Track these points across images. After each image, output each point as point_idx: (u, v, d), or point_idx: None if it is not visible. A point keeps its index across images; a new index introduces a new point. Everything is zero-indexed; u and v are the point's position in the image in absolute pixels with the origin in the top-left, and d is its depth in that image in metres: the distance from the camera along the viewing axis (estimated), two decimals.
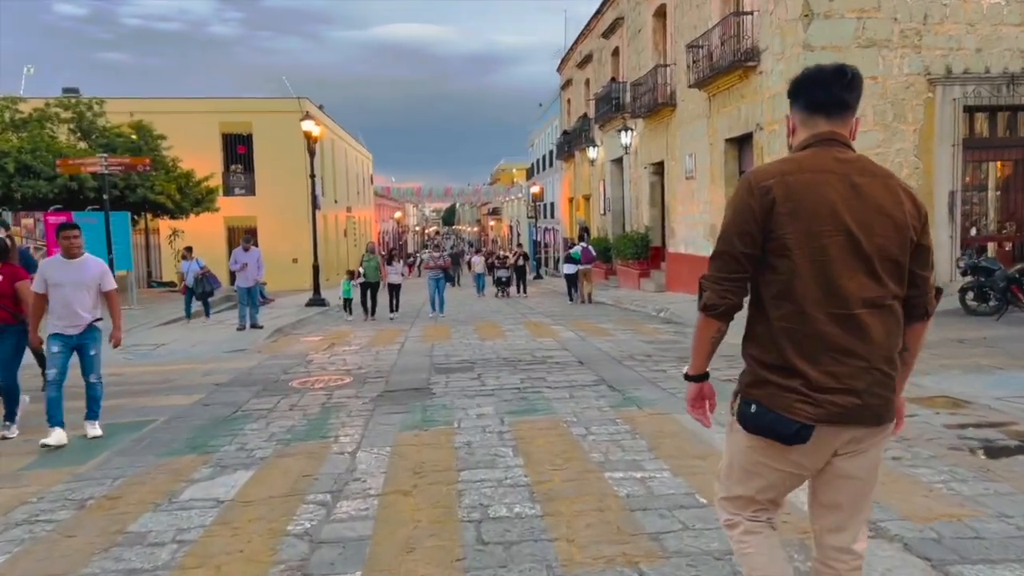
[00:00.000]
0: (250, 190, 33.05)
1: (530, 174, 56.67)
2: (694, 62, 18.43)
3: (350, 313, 17.22)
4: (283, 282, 30.37)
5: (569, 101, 38.76)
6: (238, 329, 14.68)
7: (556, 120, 43.13)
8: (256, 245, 16.89)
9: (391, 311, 16.98)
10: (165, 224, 26.37)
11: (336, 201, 40.30)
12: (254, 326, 14.88)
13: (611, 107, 27.38)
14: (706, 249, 19.22)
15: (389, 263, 17.69)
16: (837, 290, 2.18)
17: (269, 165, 32.24)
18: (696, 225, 20.08)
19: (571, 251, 21.81)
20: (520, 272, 25.50)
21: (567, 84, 39.00)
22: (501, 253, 26.35)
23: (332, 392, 8.30)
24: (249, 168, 33.36)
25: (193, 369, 10.28)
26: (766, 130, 15.71)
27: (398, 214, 67.66)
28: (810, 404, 2.17)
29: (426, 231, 79.76)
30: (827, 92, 2.29)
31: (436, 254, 18.25)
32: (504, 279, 24.42)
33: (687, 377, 2.47)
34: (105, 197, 12.43)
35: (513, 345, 11.72)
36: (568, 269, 21.75)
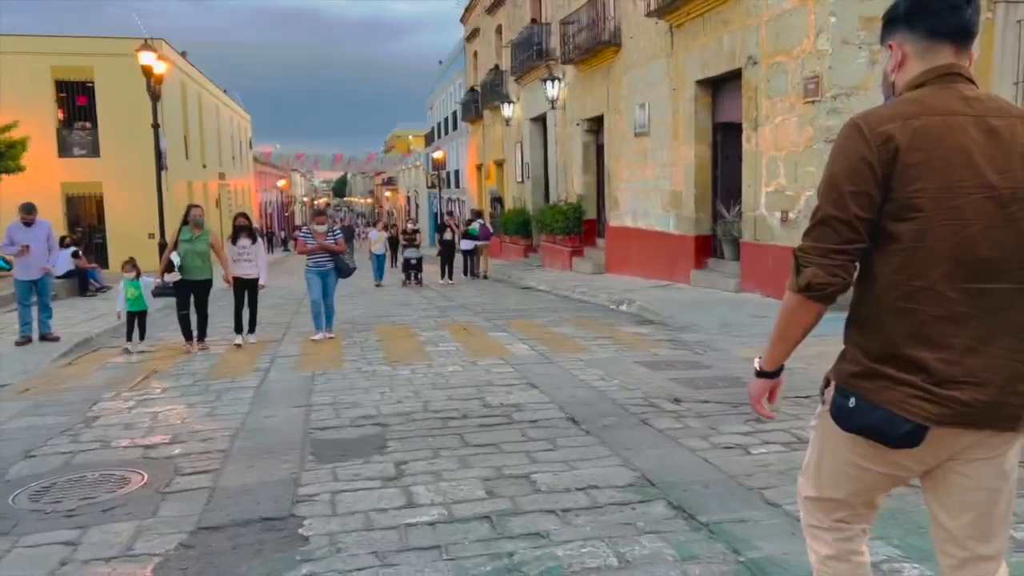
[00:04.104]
0: (93, 150, 27.07)
1: (429, 140, 51.81)
2: None
3: (130, 339, 9.42)
4: (139, 262, 24.91)
5: (476, 54, 34.27)
6: (17, 343, 9.76)
7: (460, 78, 38.54)
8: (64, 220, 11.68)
9: (239, 331, 9.83)
10: None
11: (205, 166, 34.54)
12: (45, 337, 9.99)
13: (531, 54, 23.19)
14: (663, 222, 15.48)
15: (235, 241, 9.86)
16: (975, 260, 1.76)
17: (117, 120, 26.25)
18: (650, 193, 16.21)
19: (469, 228, 21.10)
20: (449, 251, 20.13)
21: (473, 35, 34.49)
22: (409, 227, 21.09)
23: (82, 534, 3.83)
24: (93, 124, 27.39)
25: None
26: (764, 64, 11.87)
27: (282, 182, 61.27)
28: (930, 401, 1.75)
29: (315, 202, 73.38)
30: (958, 16, 1.84)
31: (320, 227, 10.31)
32: (414, 262, 19.09)
33: (760, 373, 2.01)
34: None
35: (445, 375, 7.43)
36: (466, 245, 20.89)
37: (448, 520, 3.81)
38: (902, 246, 1.78)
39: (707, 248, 14.41)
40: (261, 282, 9.98)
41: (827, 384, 1.96)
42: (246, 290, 9.88)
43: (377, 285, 18.71)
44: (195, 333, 9.55)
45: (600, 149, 19.76)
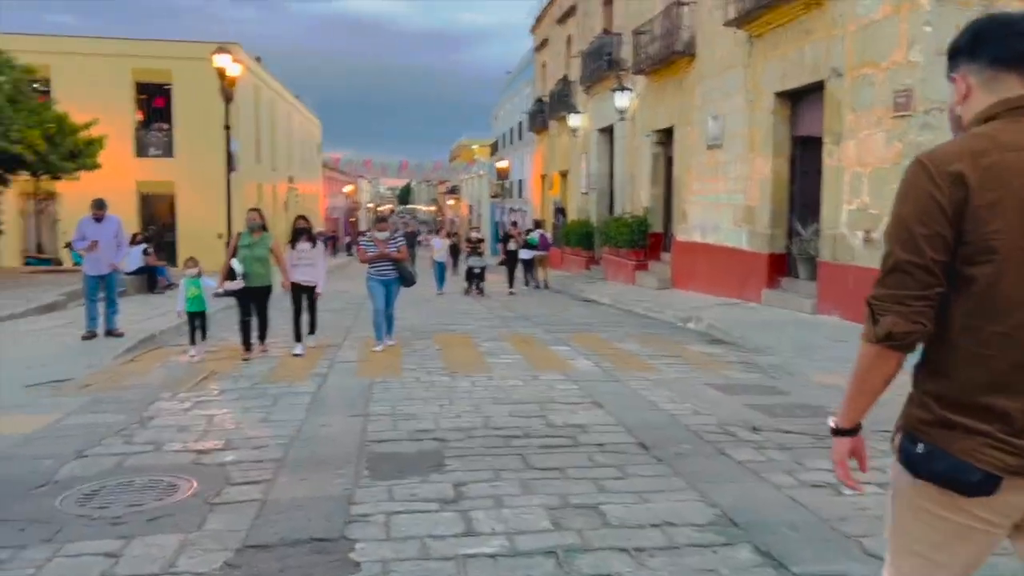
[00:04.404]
0: (167, 151, 27.70)
1: (494, 150, 51.92)
2: None
3: (193, 342, 8.98)
4: (204, 263, 25.29)
5: (544, 65, 34.08)
6: (83, 337, 9.83)
7: (527, 89, 38.47)
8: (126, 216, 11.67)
9: (299, 339, 9.25)
10: (66, 187, 20.90)
11: (275, 169, 35.12)
12: (111, 333, 10.05)
13: (602, 64, 22.87)
14: (734, 238, 14.96)
15: (294, 244, 9.38)
16: None
17: (191, 122, 26.84)
18: (721, 207, 15.70)
19: (528, 237, 21.16)
20: (514, 261, 19.96)
21: (542, 45, 34.31)
22: (473, 235, 20.80)
23: (125, 546, 3.64)
24: (169, 125, 28.02)
25: None
26: (849, 76, 11.32)
27: (348, 188, 62.10)
28: (1006, 451, 1.65)
29: (378, 209, 74.15)
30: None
31: (381, 234, 9.80)
32: (478, 271, 18.66)
33: (837, 432, 1.88)
34: None
35: (505, 390, 7.14)
36: (524, 255, 20.85)
37: (510, 553, 3.49)
38: (977, 290, 1.68)
39: (781, 266, 13.83)
40: (318, 289, 9.46)
41: (897, 433, 1.85)
42: (305, 296, 9.43)
43: (439, 294, 18.50)
44: (255, 337, 9.18)
45: (669, 161, 19.30)
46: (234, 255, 8.93)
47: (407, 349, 9.53)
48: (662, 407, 6.39)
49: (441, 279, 19.38)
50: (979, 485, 1.67)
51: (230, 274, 8.84)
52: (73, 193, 21.24)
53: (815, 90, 12.48)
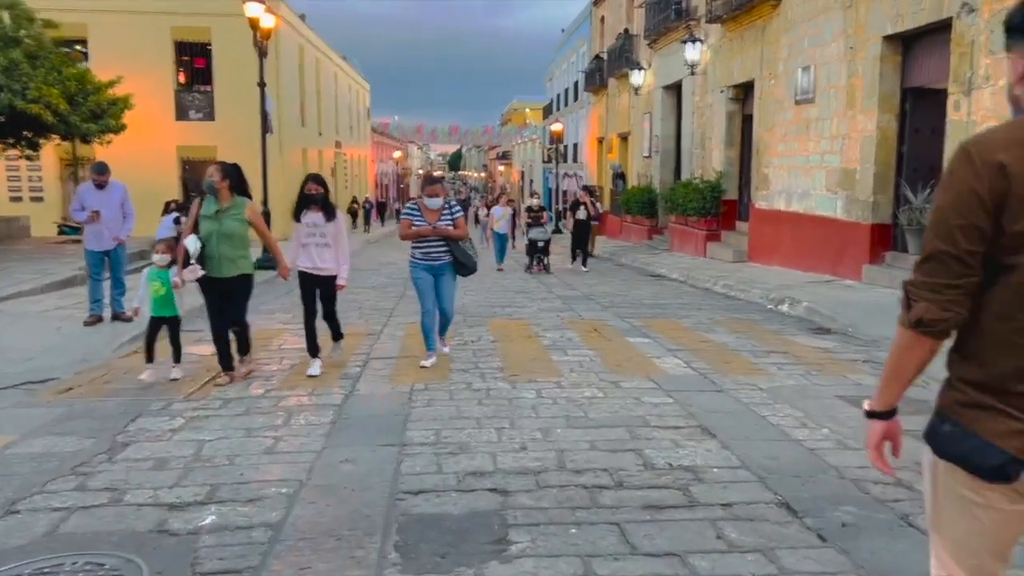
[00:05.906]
0: (209, 114, 26.55)
1: (547, 113, 49.96)
2: None
3: (151, 359, 6.32)
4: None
5: (603, 19, 32.02)
6: (86, 323, 8.58)
7: (583, 46, 36.41)
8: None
9: (314, 354, 6.67)
10: (104, 152, 19.81)
11: (321, 133, 33.83)
12: (117, 317, 8.78)
13: (669, 14, 20.89)
14: (827, 205, 13.16)
15: (298, 216, 6.66)
16: None
17: (232, 83, 25.53)
18: (811, 170, 13.81)
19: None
20: (584, 232, 17.29)
21: None
22: (534, 202, 18.59)
23: None
24: (210, 87, 26.85)
25: None
26: (985, 10, 9.37)
27: (398, 153, 60.73)
28: None
29: (430, 176, 72.96)
30: None
31: (433, 201, 6.86)
32: (541, 244, 16.41)
33: (871, 414, 1.88)
34: None
35: (580, 404, 5.60)
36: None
37: None
38: (1014, 280, 1.64)
39: (885, 239, 11.98)
40: (339, 281, 6.72)
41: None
42: (318, 290, 6.72)
43: (498, 269, 16.53)
44: (226, 355, 6.40)
45: (747, 120, 17.37)
46: (195, 230, 6.18)
47: (457, 340, 8.00)
48: (792, 435, 4.79)
49: (501, 253, 17.37)
50: (1000, 469, 1.64)
51: (192, 257, 6.11)
52: (111, 158, 20.19)
53: (937, 31, 10.55)
